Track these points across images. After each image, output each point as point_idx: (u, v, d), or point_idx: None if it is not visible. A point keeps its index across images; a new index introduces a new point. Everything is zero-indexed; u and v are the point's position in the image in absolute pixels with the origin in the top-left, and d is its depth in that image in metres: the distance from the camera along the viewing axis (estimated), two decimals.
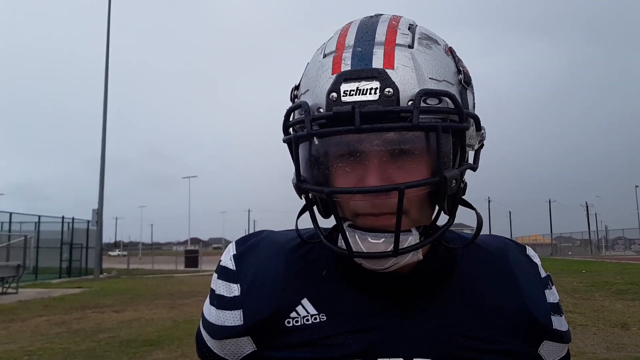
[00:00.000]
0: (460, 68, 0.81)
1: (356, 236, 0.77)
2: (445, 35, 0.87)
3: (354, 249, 0.76)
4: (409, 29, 0.81)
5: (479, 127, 0.82)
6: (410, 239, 0.77)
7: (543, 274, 0.98)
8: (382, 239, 0.76)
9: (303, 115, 0.77)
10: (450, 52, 0.83)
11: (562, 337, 0.93)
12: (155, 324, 9.80)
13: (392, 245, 0.75)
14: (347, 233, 0.76)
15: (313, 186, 0.80)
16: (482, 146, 0.86)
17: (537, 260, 0.99)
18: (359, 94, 0.73)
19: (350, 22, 0.85)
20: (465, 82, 0.81)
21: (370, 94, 0.73)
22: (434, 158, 0.75)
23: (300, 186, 0.80)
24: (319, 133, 0.76)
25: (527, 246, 1.02)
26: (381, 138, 0.75)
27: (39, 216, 27.35)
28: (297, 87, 0.86)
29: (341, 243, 0.78)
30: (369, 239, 0.76)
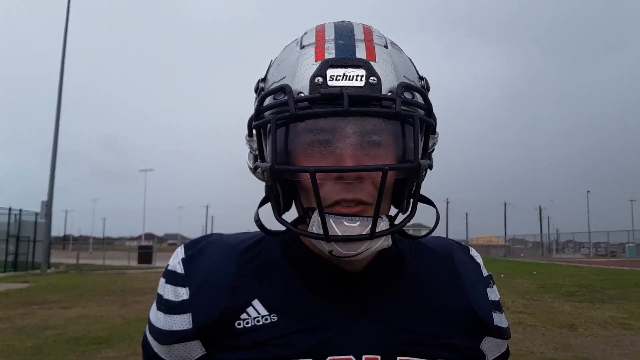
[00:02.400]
0: (421, 75, 0.88)
1: (331, 220, 0.77)
2: (405, 41, 0.95)
3: (330, 233, 0.76)
4: (380, 34, 0.87)
5: (434, 131, 0.86)
6: (383, 224, 0.78)
7: (485, 273, 1.02)
8: (358, 223, 0.77)
9: (281, 99, 0.78)
10: (411, 61, 0.89)
11: (502, 334, 0.97)
12: (105, 322, 9.54)
13: (368, 229, 0.76)
14: (325, 216, 0.76)
15: (294, 167, 0.79)
16: (433, 150, 0.89)
17: (479, 260, 1.03)
18: (345, 79, 0.75)
19: (324, 23, 0.88)
20: (426, 88, 0.87)
21: (356, 80, 0.75)
22: (409, 146, 0.79)
23: (276, 168, 0.77)
24: (304, 114, 0.76)
25: (470, 247, 1.07)
26: (362, 124, 0.77)
27: None
28: (263, 80, 0.87)
29: (312, 229, 0.78)
30: (345, 222, 0.77)
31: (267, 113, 0.81)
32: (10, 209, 26.91)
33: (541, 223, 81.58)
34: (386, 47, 0.83)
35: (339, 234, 0.76)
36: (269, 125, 0.79)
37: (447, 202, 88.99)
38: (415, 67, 0.88)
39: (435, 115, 0.85)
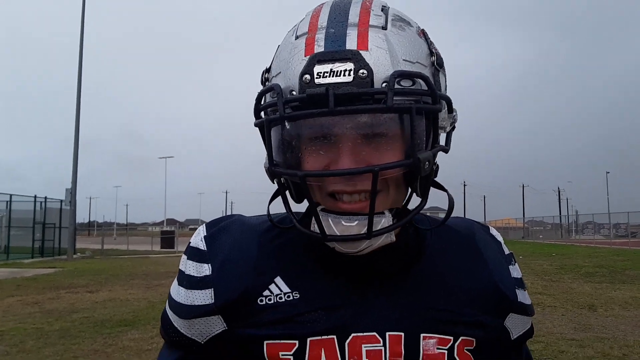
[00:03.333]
0: (433, 50, 0.81)
1: (329, 219, 0.77)
2: (423, 24, 0.87)
3: (327, 232, 0.76)
4: (382, 10, 0.81)
5: (450, 110, 0.82)
6: (384, 221, 0.77)
7: (506, 251, 1.01)
8: (356, 222, 0.76)
9: (275, 98, 0.76)
10: (423, 34, 0.83)
11: (525, 310, 0.97)
12: (131, 305, 9.76)
13: (366, 228, 0.75)
14: (320, 217, 0.77)
15: (286, 170, 0.79)
16: (453, 128, 0.86)
17: (500, 238, 1.03)
18: (332, 76, 0.72)
19: (322, 4, 0.84)
20: (438, 64, 0.81)
21: (344, 75, 0.72)
22: (407, 140, 0.75)
23: (272, 170, 0.79)
24: (291, 116, 0.75)
25: (490, 226, 1.06)
26: (355, 120, 0.75)
27: (11, 195, 26.79)
28: (268, 70, 0.85)
29: (314, 227, 0.79)
30: (342, 222, 0.77)
31: (265, 111, 0.81)
32: (35, 197, 27.44)
33: (560, 204, 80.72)
34: (384, 27, 0.77)
35: (337, 233, 0.76)
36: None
37: (465, 185, 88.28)
38: (427, 39, 0.82)
39: (448, 95, 0.81)
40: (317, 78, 0.73)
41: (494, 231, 1.04)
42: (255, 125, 0.82)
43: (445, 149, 0.83)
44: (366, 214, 0.75)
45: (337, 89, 0.71)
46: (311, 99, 0.72)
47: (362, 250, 0.79)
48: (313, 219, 0.78)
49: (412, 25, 0.83)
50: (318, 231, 0.77)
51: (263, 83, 0.85)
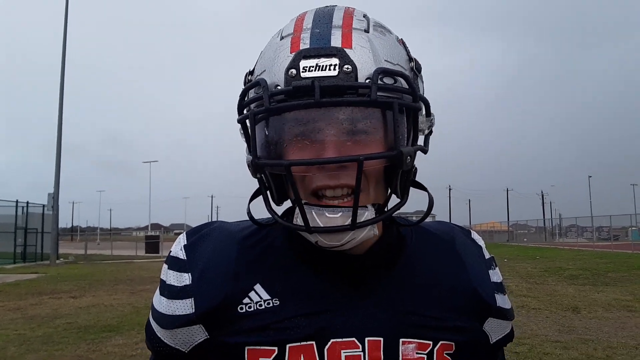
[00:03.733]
0: (411, 56, 0.85)
1: (313, 212, 0.78)
2: (406, 32, 0.90)
3: (311, 224, 0.77)
4: (363, 16, 0.84)
5: (428, 113, 0.84)
6: (367, 213, 0.79)
7: (487, 255, 1.02)
8: (340, 213, 0.77)
9: (260, 93, 0.77)
10: (402, 42, 0.86)
11: (505, 314, 0.97)
12: (115, 310, 9.66)
13: (350, 219, 0.76)
14: (304, 208, 0.77)
15: (272, 161, 0.79)
16: (431, 132, 0.87)
17: (481, 243, 1.03)
18: (318, 70, 0.74)
19: (306, 11, 0.86)
20: (417, 69, 0.84)
21: (329, 69, 0.74)
22: (390, 133, 0.77)
23: (256, 163, 0.79)
24: (278, 107, 0.76)
25: (471, 230, 1.07)
26: (339, 113, 0.76)
27: None
28: (251, 73, 0.86)
29: (297, 220, 0.79)
30: (326, 213, 0.77)
31: (249, 107, 0.82)
32: (17, 202, 27.04)
33: (544, 208, 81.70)
34: (367, 31, 0.80)
35: (321, 225, 0.77)
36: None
37: (450, 189, 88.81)
38: (405, 47, 0.86)
39: (427, 98, 0.83)
40: (302, 72, 0.74)
41: (475, 235, 1.05)
42: (239, 120, 0.83)
43: (424, 149, 0.85)
44: (347, 207, 0.77)
45: (323, 81, 0.73)
46: (297, 91, 0.74)
47: (345, 244, 0.79)
48: (296, 211, 0.79)
49: (392, 33, 0.86)
50: (301, 224, 0.78)
51: (246, 84, 0.86)
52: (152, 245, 36.39)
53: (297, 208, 0.78)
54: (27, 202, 27.66)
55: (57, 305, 10.29)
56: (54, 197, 26.18)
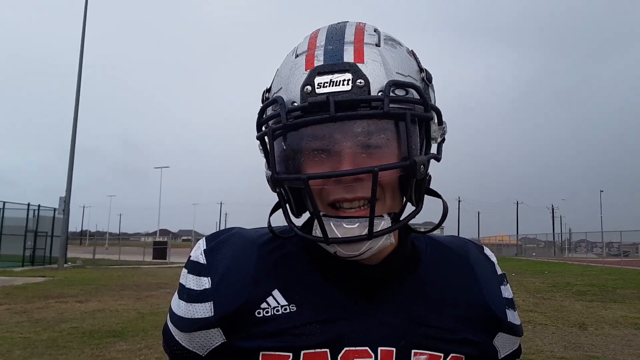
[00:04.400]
0: (422, 67, 0.87)
1: (331, 223, 0.80)
2: (420, 40, 0.92)
3: (330, 236, 0.79)
4: (374, 31, 0.86)
5: (440, 122, 0.86)
6: (383, 223, 0.80)
7: (499, 271, 1.03)
8: (357, 224, 0.79)
9: (277, 110, 0.80)
10: (412, 54, 0.89)
11: (515, 330, 0.99)
12: (120, 315, 9.69)
13: (367, 229, 0.78)
14: (322, 220, 0.79)
15: (289, 175, 0.82)
16: (443, 140, 0.89)
17: (493, 259, 1.05)
18: (332, 86, 0.77)
19: (319, 28, 0.89)
20: (428, 80, 0.86)
21: (343, 85, 0.77)
22: (404, 144, 0.80)
23: (276, 178, 0.81)
24: (295, 123, 0.79)
25: (484, 246, 1.08)
26: (354, 126, 0.79)
27: (4, 202, 26.62)
28: (268, 90, 0.89)
29: (315, 232, 0.81)
30: (344, 224, 0.79)
31: (267, 124, 0.84)
32: (29, 205, 27.28)
33: (553, 222, 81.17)
34: (377, 45, 0.83)
35: (339, 236, 0.79)
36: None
37: (459, 201, 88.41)
38: (416, 58, 0.88)
39: (438, 107, 0.85)
40: (317, 88, 0.78)
41: (487, 251, 1.06)
42: (258, 137, 0.86)
43: (438, 157, 0.87)
44: (365, 217, 0.79)
45: (337, 96, 0.76)
46: (313, 107, 0.77)
47: (363, 254, 0.81)
48: (315, 223, 0.81)
49: (402, 45, 0.88)
50: (319, 235, 0.80)
51: (263, 102, 0.89)
52: (160, 251, 36.50)
53: (316, 220, 0.80)
54: (39, 206, 27.91)
55: (63, 310, 10.35)
56: (66, 200, 26.37)
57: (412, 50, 0.89)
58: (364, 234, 0.78)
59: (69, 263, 26.78)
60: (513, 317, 0.99)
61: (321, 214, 0.81)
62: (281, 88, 0.83)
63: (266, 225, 0.93)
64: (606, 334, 8.62)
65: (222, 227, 1.06)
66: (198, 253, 0.95)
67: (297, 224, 0.89)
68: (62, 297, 12.38)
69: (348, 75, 0.77)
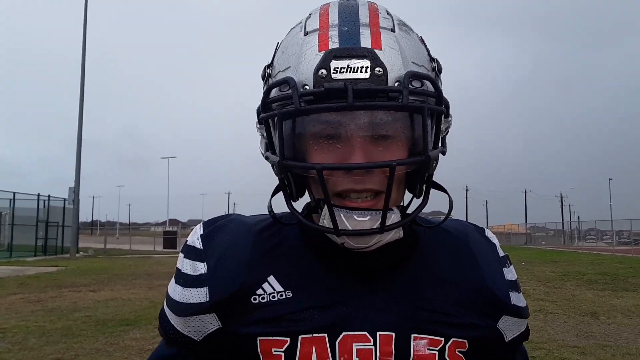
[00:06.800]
0: (432, 56, 0.84)
1: (342, 215, 0.78)
2: (420, 29, 0.89)
3: (340, 227, 0.77)
4: (387, 13, 0.83)
5: (447, 114, 0.84)
6: (393, 216, 0.79)
7: (501, 253, 1.01)
8: (368, 217, 0.77)
9: (286, 92, 0.76)
10: (422, 41, 0.86)
11: (520, 313, 0.97)
12: (133, 304, 9.77)
13: (378, 223, 0.76)
14: (334, 210, 0.77)
15: (302, 163, 0.79)
16: (447, 133, 0.87)
17: (495, 240, 1.03)
18: (349, 72, 0.73)
19: (328, 3, 0.85)
20: (438, 70, 0.84)
21: (361, 72, 0.73)
22: (416, 139, 0.78)
23: (284, 164, 0.78)
24: (309, 109, 0.74)
25: (485, 228, 1.06)
26: (368, 117, 0.76)
27: (14, 193, 26.90)
28: (269, 66, 0.85)
29: (323, 222, 0.80)
30: (355, 216, 0.77)
31: (273, 105, 0.80)
32: (39, 195, 27.55)
33: (562, 211, 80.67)
34: (393, 30, 0.79)
35: (350, 228, 0.77)
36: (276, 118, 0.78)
37: (467, 190, 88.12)
38: (426, 46, 0.85)
39: (447, 98, 0.82)
40: (334, 73, 0.73)
41: (489, 233, 1.05)
42: (263, 119, 0.82)
43: (444, 151, 0.85)
44: (376, 210, 0.77)
45: (355, 84, 0.72)
46: (329, 93, 0.72)
47: (372, 246, 0.80)
48: (324, 213, 0.79)
49: (414, 31, 0.85)
50: (328, 225, 0.78)
51: (265, 78, 0.85)
52: (170, 240, 36.85)
53: (327, 210, 0.77)
54: (49, 196, 28.19)
55: (76, 299, 10.45)
56: (75, 191, 26.61)
57: (421, 37, 0.86)
58: (375, 227, 0.76)
59: (81, 253, 27.09)
60: (517, 299, 0.96)
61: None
62: (289, 67, 0.79)
63: (266, 212, 0.91)
64: (618, 322, 8.58)
65: None
66: (195, 238, 0.95)
67: (297, 209, 0.86)
68: (75, 286, 12.51)
69: (366, 62, 0.73)
